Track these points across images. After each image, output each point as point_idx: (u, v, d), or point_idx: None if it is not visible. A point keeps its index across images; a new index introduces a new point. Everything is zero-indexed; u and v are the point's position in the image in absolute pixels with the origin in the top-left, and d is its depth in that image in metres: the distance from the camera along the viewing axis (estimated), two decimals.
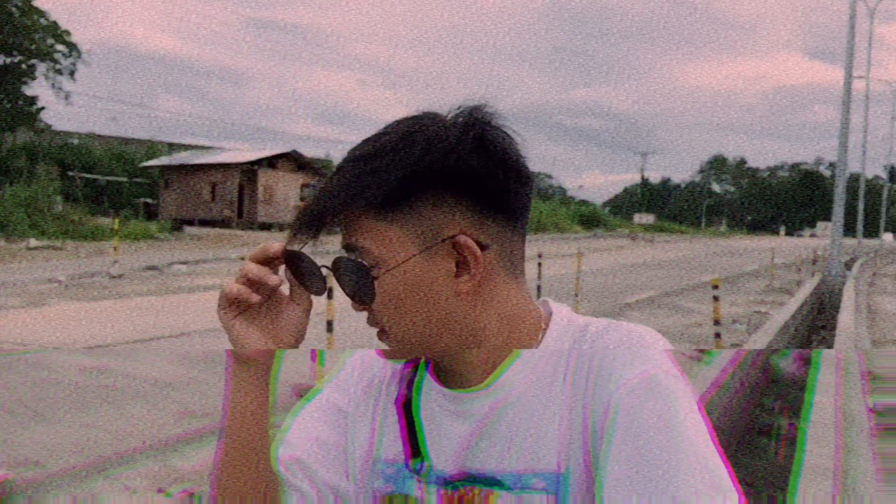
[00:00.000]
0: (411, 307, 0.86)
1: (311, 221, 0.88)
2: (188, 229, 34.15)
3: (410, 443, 0.94)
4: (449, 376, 0.94)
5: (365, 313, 0.91)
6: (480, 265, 0.86)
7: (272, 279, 0.90)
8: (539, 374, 0.88)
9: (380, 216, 0.85)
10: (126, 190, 43.70)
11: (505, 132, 0.88)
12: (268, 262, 0.91)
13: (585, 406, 0.84)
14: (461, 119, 0.87)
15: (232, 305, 0.91)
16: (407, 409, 0.96)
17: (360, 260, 0.86)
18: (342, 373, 1.05)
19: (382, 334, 0.90)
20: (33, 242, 23.26)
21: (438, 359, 0.93)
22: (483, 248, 0.86)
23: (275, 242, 0.90)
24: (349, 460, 0.99)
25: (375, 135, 0.89)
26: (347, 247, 0.88)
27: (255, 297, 0.90)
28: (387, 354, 0.92)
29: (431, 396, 0.95)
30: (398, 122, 0.89)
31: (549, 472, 0.85)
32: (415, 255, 0.85)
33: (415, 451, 0.94)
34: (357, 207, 0.85)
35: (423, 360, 0.98)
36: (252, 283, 0.90)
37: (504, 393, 0.89)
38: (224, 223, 39.89)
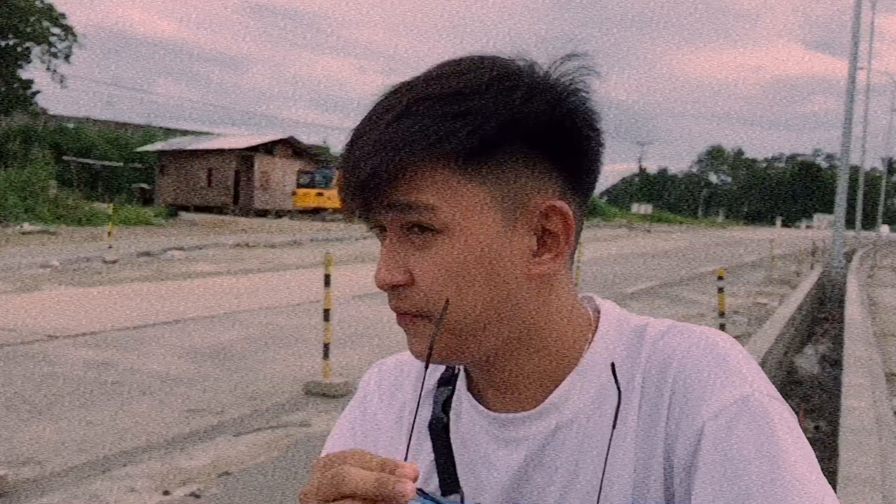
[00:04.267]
0: (474, 285, 0.70)
1: (372, 182, 0.68)
2: (184, 215, 33.94)
3: (446, 475, 0.79)
4: (494, 393, 0.78)
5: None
6: (570, 245, 0.72)
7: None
8: (600, 389, 0.74)
9: (460, 171, 0.68)
10: (122, 175, 43.46)
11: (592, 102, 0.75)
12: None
13: (668, 434, 0.69)
14: (561, 67, 0.73)
15: None
16: (441, 436, 0.80)
17: (422, 221, 0.69)
18: (362, 399, 0.89)
19: (416, 320, 0.72)
20: (27, 227, 23.04)
21: (488, 358, 0.74)
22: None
23: (401, 478, 0.55)
24: None
25: (450, 70, 0.71)
26: (401, 205, 0.69)
27: None
28: (421, 351, 0.72)
29: (472, 419, 0.79)
30: (478, 60, 0.72)
31: None
32: (495, 222, 0.69)
33: (451, 485, 0.79)
34: (434, 158, 0.68)
35: (458, 377, 0.82)
36: None
37: (562, 414, 0.74)
38: (220, 209, 39.75)
